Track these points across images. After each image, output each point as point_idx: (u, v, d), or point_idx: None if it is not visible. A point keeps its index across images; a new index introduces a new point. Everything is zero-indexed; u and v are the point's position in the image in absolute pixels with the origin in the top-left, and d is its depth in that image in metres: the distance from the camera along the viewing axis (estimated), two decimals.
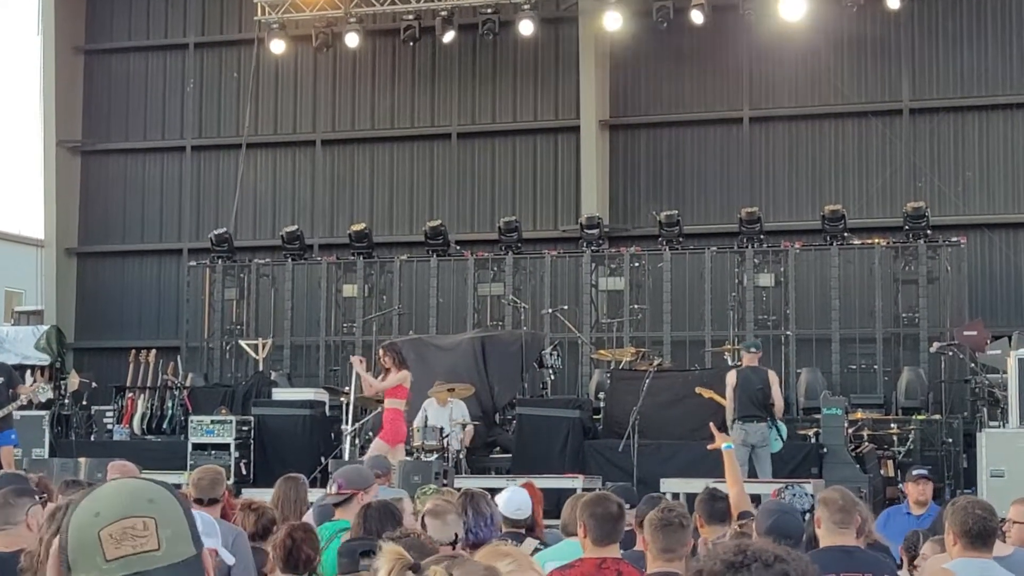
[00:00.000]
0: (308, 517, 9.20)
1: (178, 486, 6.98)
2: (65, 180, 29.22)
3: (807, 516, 8.03)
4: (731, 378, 18.01)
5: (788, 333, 23.58)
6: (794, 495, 8.44)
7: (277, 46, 26.59)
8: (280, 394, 22.43)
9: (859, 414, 20.67)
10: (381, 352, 17.35)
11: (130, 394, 23.98)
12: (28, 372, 23.88)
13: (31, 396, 19.28)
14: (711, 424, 11.53)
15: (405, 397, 17.05)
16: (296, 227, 26.41)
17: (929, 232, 23.36)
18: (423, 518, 6.91)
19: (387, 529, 6.48)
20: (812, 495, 9.35)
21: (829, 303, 23.50)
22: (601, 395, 21.40)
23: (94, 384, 24.55)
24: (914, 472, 12.85)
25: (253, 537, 8.18)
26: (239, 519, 8.39)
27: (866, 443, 19.60)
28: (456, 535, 6.72)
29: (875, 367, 23.33)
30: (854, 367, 23.61)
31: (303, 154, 28.59)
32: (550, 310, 24.09)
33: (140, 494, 2.43)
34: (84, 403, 24.25)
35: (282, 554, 7.20)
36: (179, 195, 29.15)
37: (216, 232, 26.43)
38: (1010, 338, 20.12)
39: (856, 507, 7.07)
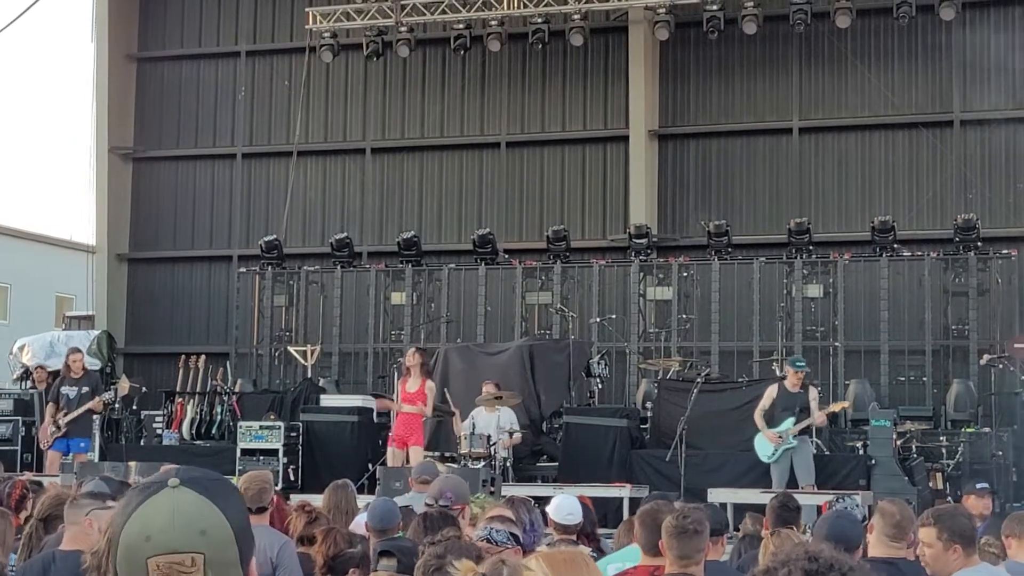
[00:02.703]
0: (359, 521, 9.25)
1: None
2: (117, 186, 29.45)
3: None
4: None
5: (837, 344, 23.47)
6: (847, 507, 8.41)
7: (328, 55, 26.72)
8: (328, 400, 22.50)
9: (908, 426, 20.56)
10: (412, 352, 17.75)
11: (179, 399, 24.08)
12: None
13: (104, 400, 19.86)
14: None
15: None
16: (345, 234, 26.51)
17: (980, 244, 23.24)
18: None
19: None
20: (859, 506, 9.32)
21: (878, 315, 23.39)
22: (648, 404, 21.38)
23: (144, 389, 24.75)
24: (978, 486, 12.70)
25: (301, 540, 8.22)
26: (292, 520, 8.44)
27: (915, 455, 19.51)
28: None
29: (924, 379, 23.22)
30: (903, 379, 23.50)
31: (353, 162, 28.71)
32: (598, 319, 24.10)
33: (193, 524, 2.44)
34: (134, 408, 24.40)
35: (323, 561, 7.27)
36: (229, 202, 29.32)
37: (266, 239, 26.57)
38: None
39: (912, 524, 7.04)
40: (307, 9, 26.80)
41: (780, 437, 17.39)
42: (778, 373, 20.56)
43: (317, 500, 10.03)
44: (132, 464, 17.32)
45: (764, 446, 17.57)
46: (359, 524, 9.22)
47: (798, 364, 18.04)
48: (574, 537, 8.50)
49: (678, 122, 26.79)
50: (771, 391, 17.76)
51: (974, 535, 6.63)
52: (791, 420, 17.37)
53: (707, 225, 24.63)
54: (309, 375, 24.56)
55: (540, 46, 26.01)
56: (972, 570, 6.43)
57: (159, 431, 23.64)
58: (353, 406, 21.76)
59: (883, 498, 7.71)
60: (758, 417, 17.62)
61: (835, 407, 18.48)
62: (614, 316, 24.16)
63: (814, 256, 23.97)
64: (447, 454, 18.78)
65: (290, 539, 8.17)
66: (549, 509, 8.57)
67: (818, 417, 17.48)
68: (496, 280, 25.71)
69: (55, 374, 22.29)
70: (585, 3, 25.33)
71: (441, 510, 7.72)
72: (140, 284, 29.77)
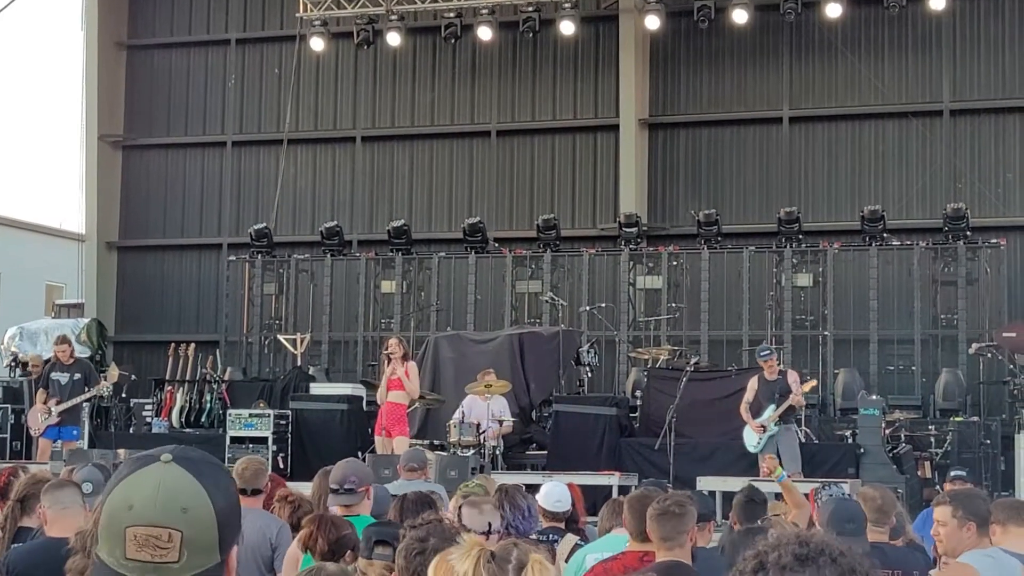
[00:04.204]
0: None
1: None
2: (106, 174, 29.39)
3: None
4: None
5: (826, 333, 23.52)
6: (831, 495, 8.45)
7: (318, 43, 26.68)
8: (318, 388, 22.53)
9: (896, 415, 20.60)
10: (395, 342, 17.77)
11: (169, 387, 24.10)
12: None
13: (100, 392, 19.83)
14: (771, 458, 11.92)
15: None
16: (335, 223, 26.48)
17: (969, 233, 23.27)
18: (459, 508, 6.93)
19: None
20: (849, 495, 9.35)
21: (867, 304, 23.42)
22: (638, 393, 21.41)
23: (133, 377, 24.72)
24: (952, 473, 12.92)
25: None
26: (275, 510, 8.45)
27: (903, 444, 19.55)
28: (490, 524, 6.76)
29: (913, 368, 23.26)
30: (892, 368, 23.54)
31: (343, 150, 28.67)
32: (587, 308, 24.11)
33: (176, 500, 2.44)
34: (123, 396, 24.40)
35: (312, 547, 7.28)
36: (219, 190, 29.28)
37: (256, 227, 26.55)
38: None
39: (894, 509, 7.07)
40: None
41: (763, 427, 17.50)
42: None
43: (303, 488, 10.03)
44: (122, 452, 17.34)
45: (749, 436, 17.69)
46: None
47: (762, 354, 18.14)
48: (562, 524, 8.53)
49: (668, 111, 26.78)
50: (752, 383, 17.88)
51: (988, 517, 6.66)
52: (772, 407, 17.50)
53: (697, 214, 24.63)
54: (299, 363, 24.55)
55: (531, 35, 25.96)
56: (985, 551, 6.45)
57: (149, 419, 23.67)
58: (343, 394, 21.80)
59: (876, 484, 7.74)
60: (743, 410, 17.74)
61: (806, 387, 18.55)
62: (604, 305, 24.16)
63: (803, 245, 24.00)
64: (436, 442, 18.83)
65: (286, 522, 8.20)
66: (538, 496, 8.62)
67: (793, 398, 17.57)
68: (486, 269, 25.72)
69: (47, 362, 22.26)
70: None
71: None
72: (130, 272, 29.71)
